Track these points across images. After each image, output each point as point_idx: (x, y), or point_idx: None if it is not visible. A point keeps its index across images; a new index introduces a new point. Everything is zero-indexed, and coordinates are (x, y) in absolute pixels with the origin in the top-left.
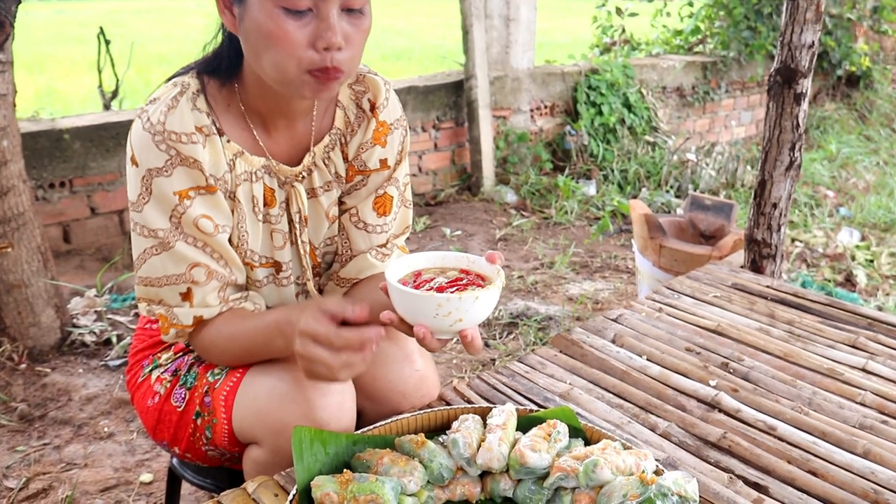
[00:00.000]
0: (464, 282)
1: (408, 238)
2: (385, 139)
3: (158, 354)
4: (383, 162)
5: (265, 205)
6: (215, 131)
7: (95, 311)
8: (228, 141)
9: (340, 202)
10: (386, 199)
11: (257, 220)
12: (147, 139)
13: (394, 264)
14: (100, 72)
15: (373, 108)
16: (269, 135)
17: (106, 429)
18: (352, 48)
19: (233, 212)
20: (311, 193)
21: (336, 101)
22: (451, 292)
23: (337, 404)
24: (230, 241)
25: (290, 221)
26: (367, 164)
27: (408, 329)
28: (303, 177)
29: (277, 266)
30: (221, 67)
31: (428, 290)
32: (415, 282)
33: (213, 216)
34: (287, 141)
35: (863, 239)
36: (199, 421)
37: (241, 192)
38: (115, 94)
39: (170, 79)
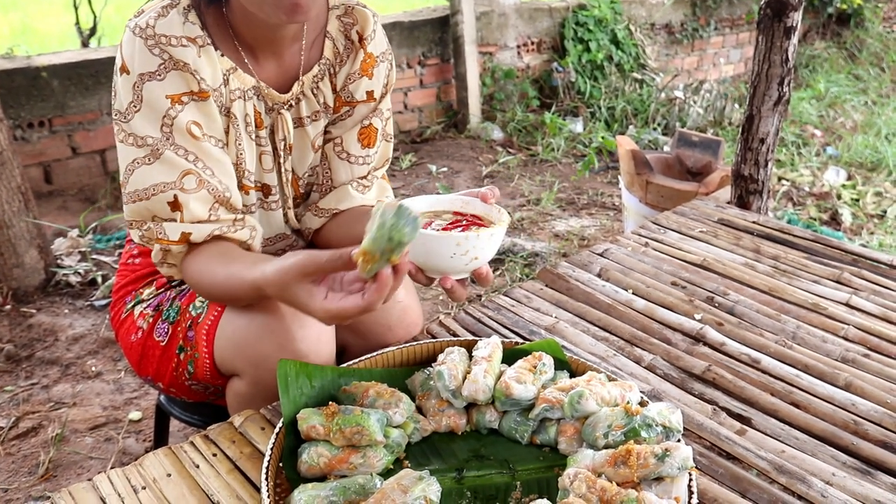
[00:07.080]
0: (463, 223)
1: (392, 175)
2: (372, 71)
3: (141, 290)
4: (370, 94)
5: (256, 126)
6: (209, 42)
7: (80, 252)
8: (222, 55)
9: (325, 131)
10: (371, 131)
11: (251, 139)
12: (139, 44)
13: None
14: (76, 8)
15: (360, 39)
16: (257, 60)
17: (93, 368)
18: None
19: (228, 130)
20: (298, 122)
21: (325, 32)
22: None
23: (315, 336)
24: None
25: (275, 149)
26: (354, 95)
27: (424, 279)
28: (291, 105)
29: (266, 189)
30: None
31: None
32: None
33: (202, 123)
34: (275, 68)
35: (849, 178)
36: (181, 356)
37: (237, 108)
38: (92, 31)
39: None
